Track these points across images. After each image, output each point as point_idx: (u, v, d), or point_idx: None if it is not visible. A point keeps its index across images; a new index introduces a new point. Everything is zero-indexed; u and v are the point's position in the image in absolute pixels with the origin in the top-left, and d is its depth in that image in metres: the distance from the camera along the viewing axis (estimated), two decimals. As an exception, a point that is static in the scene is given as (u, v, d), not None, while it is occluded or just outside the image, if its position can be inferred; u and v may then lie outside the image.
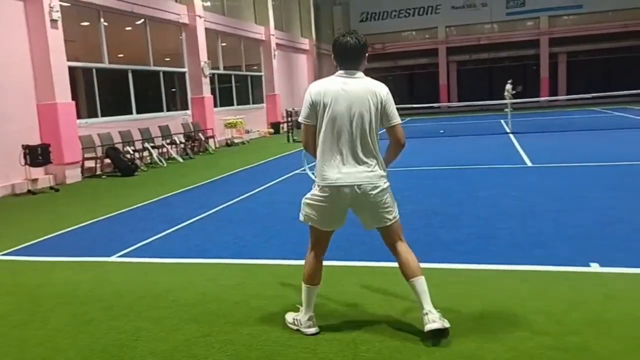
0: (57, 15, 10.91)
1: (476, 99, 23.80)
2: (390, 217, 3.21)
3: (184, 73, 16.92)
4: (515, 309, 3.46)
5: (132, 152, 12.76)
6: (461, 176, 8.89)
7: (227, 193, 8.42)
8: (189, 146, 15.41)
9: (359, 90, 3.09)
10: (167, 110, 15.97)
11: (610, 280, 3.88)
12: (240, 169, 11.47)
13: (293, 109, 19.36)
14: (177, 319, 3.63)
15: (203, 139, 16.14)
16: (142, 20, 14.94)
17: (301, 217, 3.28)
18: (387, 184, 3.19)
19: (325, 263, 4.66)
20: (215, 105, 18.11)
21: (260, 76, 22.63)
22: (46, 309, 3.99)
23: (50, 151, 10.28)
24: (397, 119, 3.18)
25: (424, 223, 5.88)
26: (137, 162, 12.59)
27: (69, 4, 11.96)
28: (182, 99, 17.09)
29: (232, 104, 20.10)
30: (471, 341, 3.05)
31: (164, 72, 15.96)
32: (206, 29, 17.30)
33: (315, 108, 3.10)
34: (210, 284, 4.34)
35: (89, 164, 12.02)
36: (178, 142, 15.03)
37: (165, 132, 14.91)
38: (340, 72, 3.15)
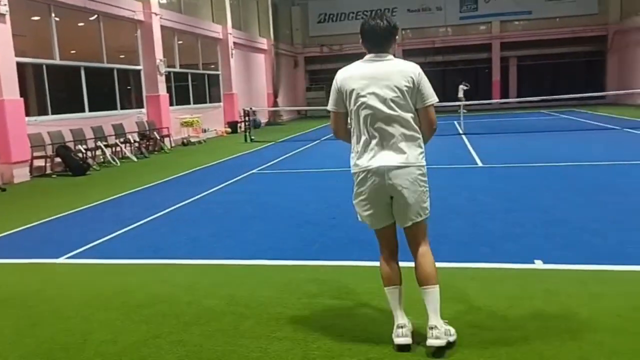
0: (4, 8, 10.55)
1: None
2: (423, 211, 3.00)
3: (139, 71, 16.60)
4: (462, 305, 3.57)
5: (84, 151, 12.45)
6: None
7: (182, 193, 8.32)
8: (144, 145, 15.12)
9: (390, 72, 2.91)
10: (121, 109, 15.63)
11: (552, 277, 4.04)
12: (196, 169, 11.34)
13: (251, 109, 19.27)
14: (126, 320, 3.57)
15: (158, 137, 15.88)
16: (96, 16, 14.58)
17: (360, 219, 3.15)
18: (422, 172, 2.96)
19: (278, 262, 4.75)
20: (171, 104, 17.85)
21: (218, 75, 22.42)
22: (-11, 313, 3.86)
23: (-4, 149, 9.92)
24: (431, 99, 2.94)
25: (378, 222, 5.96)
26: (90, 161, 12.28)
27: (17, -3, 11.57)
28: (137, 97, 16.77)
29: (189, 103, 19.84)
30: (419, 337, 3.12)
31: (118, 70, 15.61)
32: (162, 26, 17.03)
33: (342, 95, 2.98)
34: (162, 284, 4.29)
35: (39, 162, 11.66)
36: (132, 140, 14.74)
37: (119, 130, 14.60)
38: (370, 55, 2.99)
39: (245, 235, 5.77)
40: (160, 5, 17.14)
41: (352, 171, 3.02)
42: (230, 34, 22.48)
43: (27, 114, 11.44)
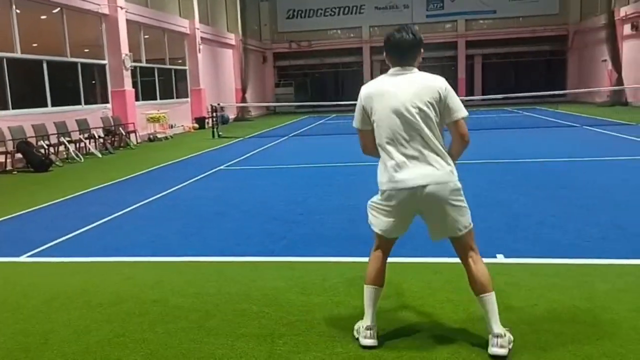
0: (-40, -1, 10.19)
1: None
2: (462, 225, 2.88)
3: (104, 65, 16.28)
4: (427, 299, 3.64)
5: (46, 147, 12.15)
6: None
7: (148, 190, 8.21)
8: (109, 141, 14.86)
9: (415, 87, 2.83)
10: (86, 104, 15.31)
11: (513, 270, 4.15)
12: (163, 165, 11.20)
13: (218, 104, 19.11)
14: (89, 320, 3.52)
15: (124, 133, 15.62)
16: (59, 8, 14.22)
17: (368, 221, 3.08)
18: (458, 184, 2.89)
19: (245, 259, 4.74)
20: (137, 99, 17.56)
21: (185, 70, 22.16)
22: (-55, 314, 3.75)
23: (-47, 145, 9.60)
24: (460, 113, 2.86)
25: (345, 217, 6.01)
26: (52, 157, 11.98)
27: (-26, -12, 11.21)
28: (101, 92, 16.44)
29: (155, 98, 19.56)
30: (383, 332, 3.17)
31: (83, 64, 15.28)
32: (128, 20, 16.72)
33: (367, 112, 2.91)
34: (126, 283, 4.24)
35: (-2, 159, 11.34)
36: (97, 136, 14.46)
37: (83, 126, 14.30)
38: (395, 69, 2.90)
39: (212, 232, 5.74)
40: (126, -1, 16.85)
41: (382, 187, 2.91)
42: (198, 28, 22.24)
43: (-14, 109, 11.11)
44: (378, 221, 2.99)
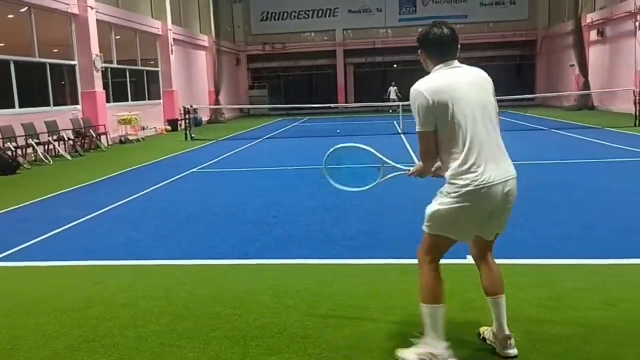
0: None
1: (372, 101, 24.78)
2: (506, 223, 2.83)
3: (74, 66, 16.01)
4: (397, 300, 3.68)
5: (14, 149, 11.88)
6: (356, 175, 9.19)
7: (119, 192, 8.11)
8: (79, 143, 14.61)
9: (474, 79, 2.75)
10: (55, 105, 15.04)
11: (482, 271, 4.22)
12: (134, 167, 11.07)
13: (191, 106, 18.97)
14: (58, 325, 3.47)
15: (94, 135, 15.39)
16: (27, 8, 13.94)
17: (428, 229, 2.77)
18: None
19: (218, 262, 4.73)
20: (108, 101, 17.32)
21: (158, 72, 21.93)
22: None
23: None
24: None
25: (318, 220, 6.04)
26: (20, 159, 11.74)
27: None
28: (71, 94, 16.16)
29: (127, 100, 19.32)
30: (355, 332, 3.20)
31: (52, 65, 15.00)
32: (98, 20, 16.48)
33: (435, 111, 2.62)
34: (97, 287, 4.18)
35: (-37, 161, 11.04)
36: (66, 138, 14.21)
37: (53, 127, 14.02)
38: (443, 65, 2.74)
39: (184, 235, 5.71)
40: (97, -1, 16.61)
41: (462, 187, 2.62)
42: (170, 30, 22.04)
43: (-50, 110, 10.83)
44: (449, 225, 2.72)
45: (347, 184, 3.54)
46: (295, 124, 23.00)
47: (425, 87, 2.66)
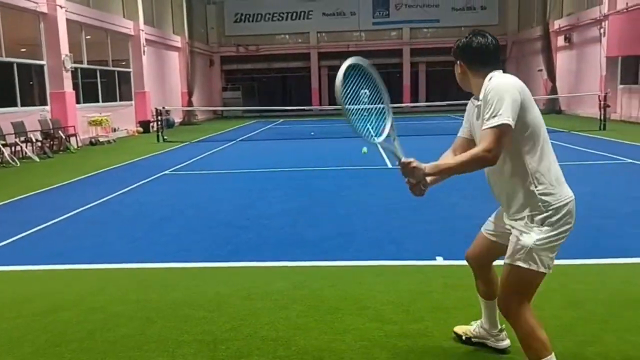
0: None
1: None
2: None
3: (42, 66, 15.68)
4: (368, 301, 3.72)
5: (-22, 151, 11.59)
6: (328, 177, 9.24)
7: (89, 195, 7.98)
8: (47, 144, 14.32)
9: None
10: (22, 105, 14.69)
11: (451, 272, 4.30)
12: (105, 169, 10.90)
13: (164, 108, 18.77)
14: (24, 329, 3.41)
15: (63, 137, 15.10)
16: (-8, 6, 13.63)
17: (545, 269, 2.40)
18: None
19: (189, 265, 4.71)
20: (78, 102, 17.01)
21: (129, 72, 21.63)
22: None
23: None
24: None
25: (290, 222, 6.05)
26: (-15, 161, 11.46)
27: None
28: (40, 94, 15.82)
29: (97, 101, 19.00)
30: (325, 334, 3.23)
31: (19, 64, 14.66)
32: (68, 20, 16.19)
33: (519, 106, 2.32)
34: (65, 290, 4.13)
35: None
36: (34, 140, 13.91)
37: (20, 128, 13.70)
38: (492, 73, 2.50)
39: (155, 237, 5.66)
40: (66, -2, 16.32)
41: (559, 203, 2.36)
42: (142, 30, 21.78)
43: None
44: (553, 255, 2.42)
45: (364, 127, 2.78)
46: (269, 126, 22.95)
47: (514, 80, 2.41)
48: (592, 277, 4.13)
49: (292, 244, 5.22)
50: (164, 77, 25.44)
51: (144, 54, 21.85)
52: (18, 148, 13.17)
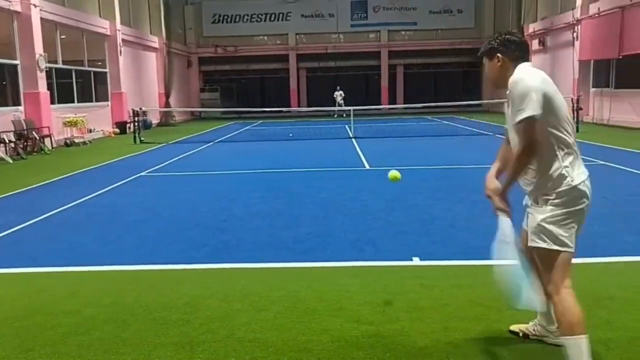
0: None
1: (324, 105, 24.98)
2: None
3: (15, 65, 15.39)
4: (345, 302, 3.74)
5: (-52, 152, 11.33)
6: (305, 178, 9.26)
7: (63, 197, 7.86)
8: (21, 146, 14.06)
9: None
10: (-6, 106, 14.42)
11: (426, 272, 4.35)
12: (80, 171, 10.75)
13: (141, 109, 18.57)
14: (-4, 334, 3.36)
15: (37, 138, 14.84)
16: (-37, 4, 13.35)
17: (558, 246, 2.55)
18: None
19: (165, 267, 4.68)
20: (53, 102, 16.73)
21: (105, 73, 21.36)
22: None
23: None
24: None
25: (268, 223, 6.05)
26: (-44, 163, 11.21)
27: None
28: (13, 94, 15.52)
29: (73, 101, 18.71)
30: (302, 335, 3.25)
31: (-9, 64, 14.40)
32: (42, 19, 15.92)
33: (543, 99, 2.50)
34: (38, 294, 4.07)
35: None
36: (7, 141, 13.65)
37: (-8, 129, 13.46)
38: (526, 64, 2.72)
39: (131, 239, 5.61)
40: (40, -3, 16.05)
41: (577, 185, 2.57)
42: (119, 30, 21.52)
43: None
44: (572, 233, 2.58)
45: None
46: (247, 128, 22.87)
47: (538, 74, 2.61)
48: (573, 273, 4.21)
49: (269, 246, 5.22)
50: (141, 77, 25.18)
51: (120, 55, 21.60)
52: (-10, 149, 12.92)
